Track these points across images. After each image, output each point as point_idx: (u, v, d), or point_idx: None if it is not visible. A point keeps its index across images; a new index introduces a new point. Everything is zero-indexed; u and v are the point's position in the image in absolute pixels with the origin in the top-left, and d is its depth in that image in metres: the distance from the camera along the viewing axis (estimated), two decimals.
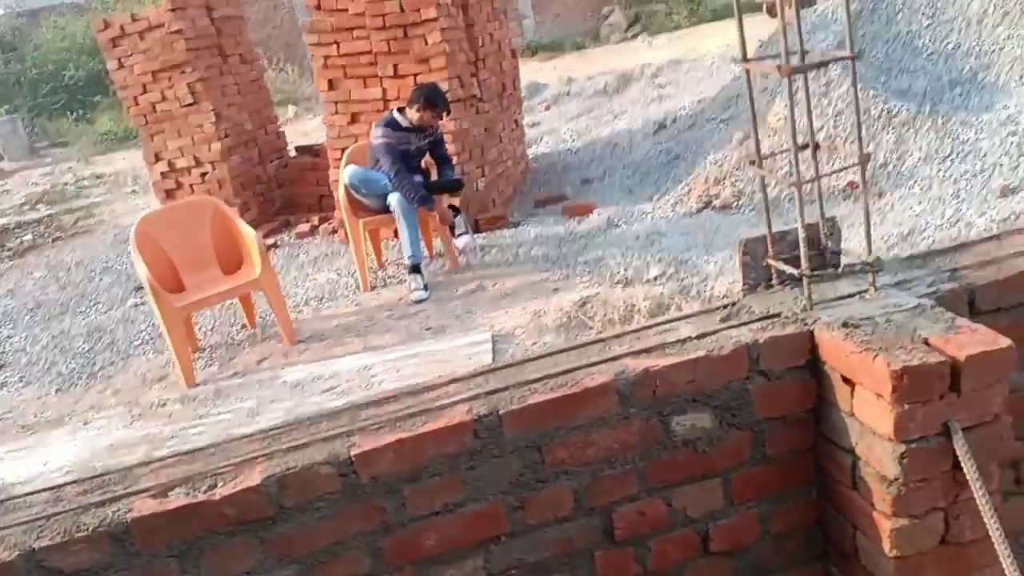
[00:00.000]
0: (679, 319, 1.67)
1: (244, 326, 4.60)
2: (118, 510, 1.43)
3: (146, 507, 1.42)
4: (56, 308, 5.88)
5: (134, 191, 10.99)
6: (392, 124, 4.67)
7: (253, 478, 1.44)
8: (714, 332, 1.59)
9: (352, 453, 1.46)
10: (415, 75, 5.38)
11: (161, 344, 4.58)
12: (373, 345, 4.01)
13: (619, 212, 5.50)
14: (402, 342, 3.98)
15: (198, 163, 6.67)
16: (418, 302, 4.46)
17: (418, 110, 4.62)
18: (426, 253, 5.10)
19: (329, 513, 1.47)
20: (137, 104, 6.67)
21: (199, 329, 4.70)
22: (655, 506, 1.60)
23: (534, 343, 3.68)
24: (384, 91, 5.49)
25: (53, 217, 10.23)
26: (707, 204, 5.31)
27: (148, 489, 1.47)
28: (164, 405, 3.86)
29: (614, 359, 1.57)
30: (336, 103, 5.61)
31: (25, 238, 9.16)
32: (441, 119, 4.80)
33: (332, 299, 4.81)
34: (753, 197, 5.22)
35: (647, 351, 1.57)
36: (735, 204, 5.27)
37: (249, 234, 4.23)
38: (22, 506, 1.52)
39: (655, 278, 4.23)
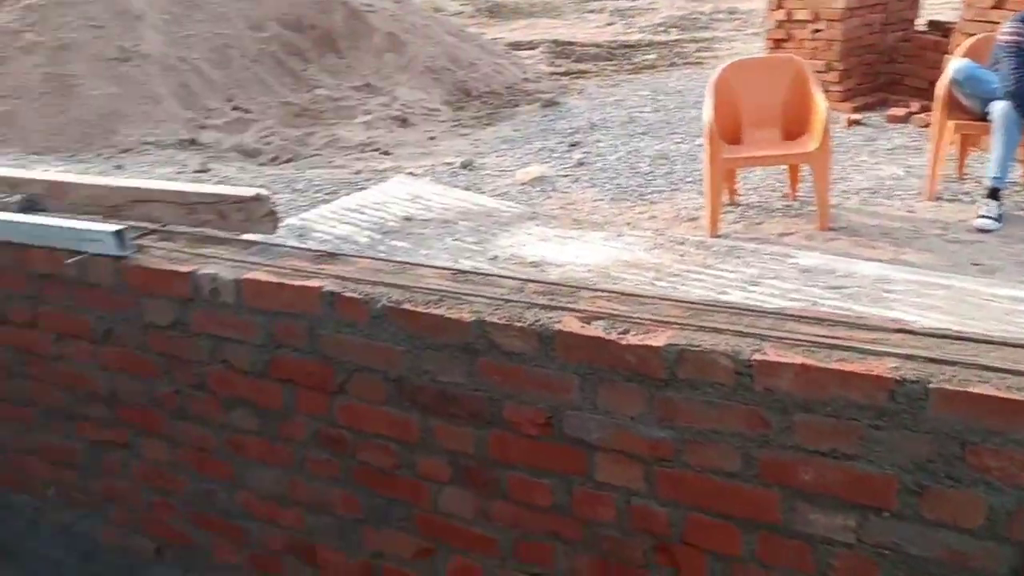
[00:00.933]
0: None
1: (785, 195, 4.55)
2: (551, 318, 1.63)
3: (570, 325, 1.60)
4: (641, 127, 6.50)
5: (756, 33, 11.14)
6: None
7: (658, 339, 1.51)
8: None
9: (754, 358, 1.42)
10: None
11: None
12: (904, 259, 3.65)
13: None
14: (938, 268, 3.54)
15: (815, 19, 6.44)
16: (981, 231, 3.86)
17: None
18: (1019, 176, 4.31)
19: (715, 401, 1.47)
20: None
21: (744, 184, 4.78)
22: None
23: None
24: None
25: (678, 43, 11.00)
26: None
27: (580, 311, 1.64)
28: (682, 244, 4.10)
29: None
30: None
31: (648, 57, 10.08)
32: None
33: (887, 196, 4.44)
34: None
35: None
36: None
37: (820, 106, 4.06)
38: (496, 284, 1.82)
39: None
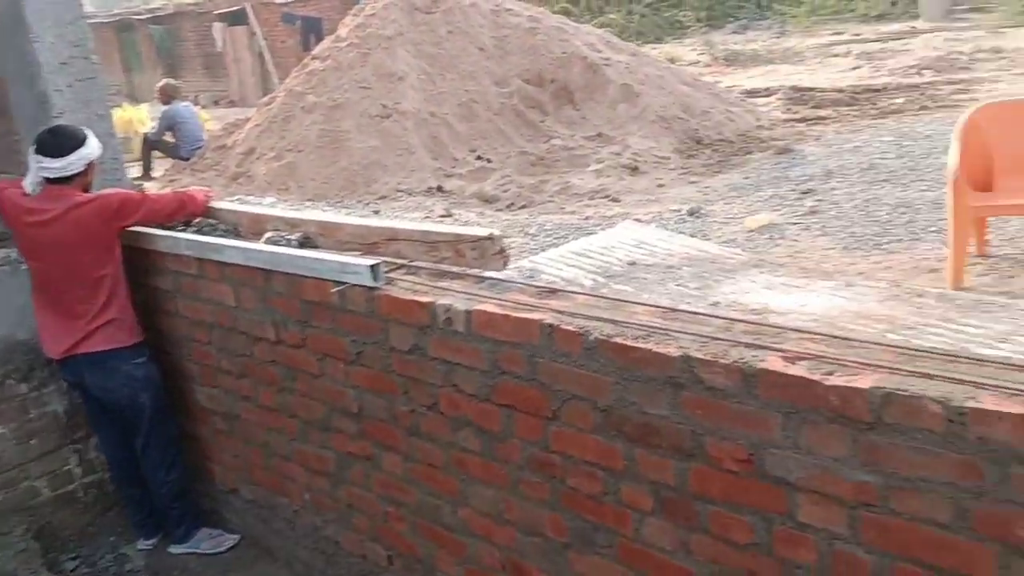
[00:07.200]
0: None
1: None
2: (755, 356, 1.68)
3: (774, 364, 1.64)
4: (883, 174, 6.19)
5: None
6: None
7: (864, 382, 1.51)
8: None
9: (967, 405, 1.38)
10: None
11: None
12: None
13: None
14: None
15: None
16: None
17: None
18: None
19: (924, 448, 1.45)
20: None
21: (998, 235, 4.42)
22: None
23: None
24: None
25: (932, 85, 10.32)
26: None
27: (785, 351, 1.67)
28: (920, 296, 3.87)
29: None
30: None
31: (895, 101, 9.55)
32: None
33: None
34: None
35: None
36: None
37: None
38: (704, 323, 1.90)
39: None
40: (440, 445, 2.33)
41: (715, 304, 4.21)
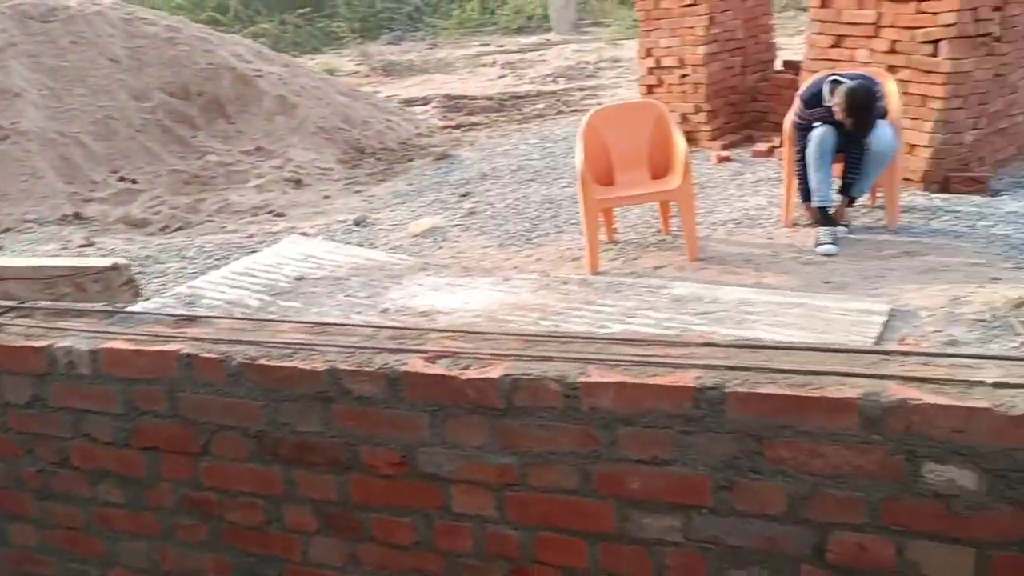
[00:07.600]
0: (988, 358, 1.37)
1: (659, 231, 4.79)
2: (398, 360, 1.71)
3: (415, 366, 1.69)
4: (529, 174, 6.72)
5: (638, 79, 11.65)
6: (814, 100, 4.25)
7: (495, 371, 1.61)
8: (1021, 387, 1.28)
9: (579, 380, 1.53)
10: (920, 1, 4.76)
11: None
12: (764, 283, 3.90)
13: None
14: (794, 288, 3.79)
15: (681, 64, 6.83)
16: (826, 256, 4.17)
17: (838, 107, 4.11)
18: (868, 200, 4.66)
19: (549, 424, 1.58)
20: None
21: (622, 223, 5.01)
22: (882, 546, 1.40)
23: (936, 331, 3.22)
24: (879, 15, 4.96)
25: (566, 92, 11.40)
26: None
27: (426, 352, 1.73)
28: (566, 283, 4.27)
29: (879, 377, 1.36)
30: (822, 22, 5.25)
31: (537, 107, 10.42)
32: (863, 133, 4.17)
33: (750, 226, 4.73)
34: None
35: (921, 380, 1.33)
36: None
37: (680, 146, 4.32)
38: (350, 333, 1.90)
39: None
40: (78, 504, 2.08)
41: (385, 310, 4.28)
